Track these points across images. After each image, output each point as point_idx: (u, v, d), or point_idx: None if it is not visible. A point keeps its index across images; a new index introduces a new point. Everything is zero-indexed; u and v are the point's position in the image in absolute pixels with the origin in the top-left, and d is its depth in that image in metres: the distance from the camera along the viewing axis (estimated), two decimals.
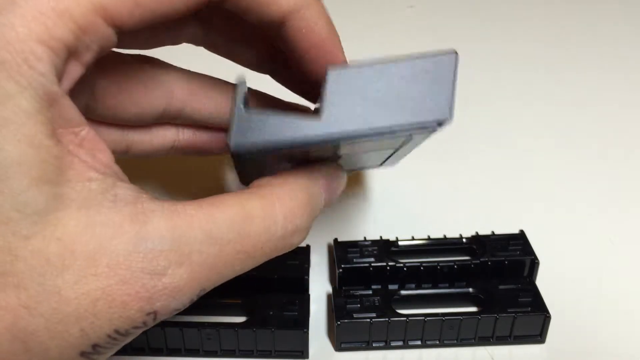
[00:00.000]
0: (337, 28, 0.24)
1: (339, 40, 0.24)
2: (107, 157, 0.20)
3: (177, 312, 0.20)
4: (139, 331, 0.20)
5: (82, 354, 0.19)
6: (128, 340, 0.20)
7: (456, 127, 0.43)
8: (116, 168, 0.21)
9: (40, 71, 0.18)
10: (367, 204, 0.37)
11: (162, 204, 0.20)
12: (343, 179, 0.26)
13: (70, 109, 0.20)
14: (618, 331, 0.30)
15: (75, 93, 0.21)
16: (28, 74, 0.18)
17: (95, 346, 0.19)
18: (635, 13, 0.59)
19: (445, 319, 0.28)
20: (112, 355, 0.28)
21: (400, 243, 0.32)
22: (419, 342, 0.29)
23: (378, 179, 0.39)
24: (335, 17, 0.24)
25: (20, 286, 0.18)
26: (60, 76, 0.19)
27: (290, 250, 0.23)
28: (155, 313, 0.19)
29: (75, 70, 0.20)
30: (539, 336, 0.29)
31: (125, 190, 0.20)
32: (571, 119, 0.45)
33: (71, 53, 0.19)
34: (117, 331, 0.19)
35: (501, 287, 0.29)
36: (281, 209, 0.22)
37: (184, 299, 0.20)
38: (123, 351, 0.28)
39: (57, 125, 0.19)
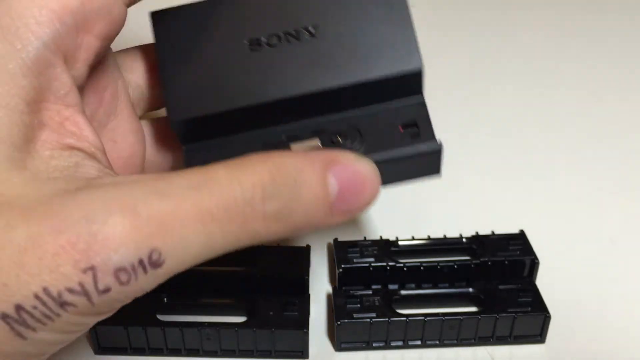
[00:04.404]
0: None
1: None
2: (91, 138, 0.20)
3: (123, 275, 0.18)
4: (78, 301, 0.17)
5: (4, 317, 0.17)
6: (64, 316, 0.18)
7: (456, 126, 0.43)
8: (100, 156, 0.20)
9: (38, 35, 0.19)
10: None
11: (119, 176, 0.19)
12: (368, 172, 0.20)
13: (63, 84, 0.19)
14: (618, 331, 0.30)
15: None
16: (25, 36, 0.19)
17: (19, 308, 0.17)
18: (635, 13, 0.58)
19: (446, 319, 0.28)
20: (111, 356, 0.28)
21: (400, 243, 0.32)
22: (419, 342, 0.29)
23: None
24: None
25: None
26: (71, 48, 0.20)
27: (264, 231, 0.19)
28: (93, 269, 0.17)
29: (89, 42, 0.20)
30: (539, 336, 0.29)
31: (90, 168, 0.19)
32: (572, 118, 0.45)
33: (78, 21, 0.20)
34: (46, 291, 0.17)
35: (501, 287, 0.29)
36: (248, 171, 0.19)
37: (128, 254, 0.17)
38: (123, 351, 0.28)
39: (42, 97, 0.19)
